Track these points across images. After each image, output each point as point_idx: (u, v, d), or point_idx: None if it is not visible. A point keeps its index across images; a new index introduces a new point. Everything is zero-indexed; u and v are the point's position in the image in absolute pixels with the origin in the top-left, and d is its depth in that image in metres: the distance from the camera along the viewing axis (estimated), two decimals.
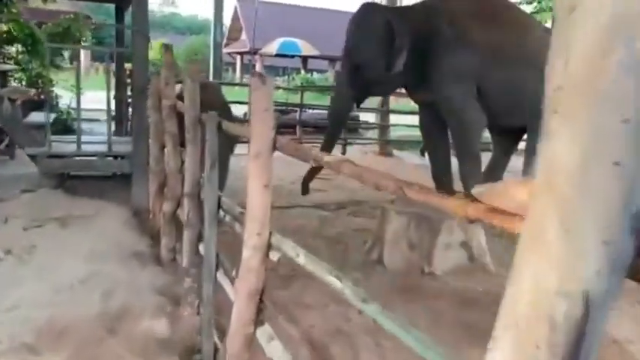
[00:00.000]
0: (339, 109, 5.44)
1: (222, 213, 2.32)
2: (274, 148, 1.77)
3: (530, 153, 6.04)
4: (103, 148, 4.90)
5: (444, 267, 3.63)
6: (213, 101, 4.25)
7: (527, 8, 17.34)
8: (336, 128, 5.55)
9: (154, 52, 29.72)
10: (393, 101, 12.36)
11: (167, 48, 3.19)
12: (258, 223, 1.78)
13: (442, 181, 6.04)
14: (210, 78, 11.58)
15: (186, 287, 2.82)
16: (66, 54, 14.17)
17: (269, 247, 1.82)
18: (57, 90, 10.08)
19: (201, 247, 2.66)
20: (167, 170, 3.41)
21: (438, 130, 5.96)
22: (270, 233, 1.84)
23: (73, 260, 3.23)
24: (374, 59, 5.01)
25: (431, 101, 5.52)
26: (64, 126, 9.34)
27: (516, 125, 5.89)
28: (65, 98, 9.78)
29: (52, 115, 6.10)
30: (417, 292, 3.46)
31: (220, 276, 2.35)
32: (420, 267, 3.62)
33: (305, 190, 4.83)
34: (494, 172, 6.20)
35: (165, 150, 3.41)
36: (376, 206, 5.83)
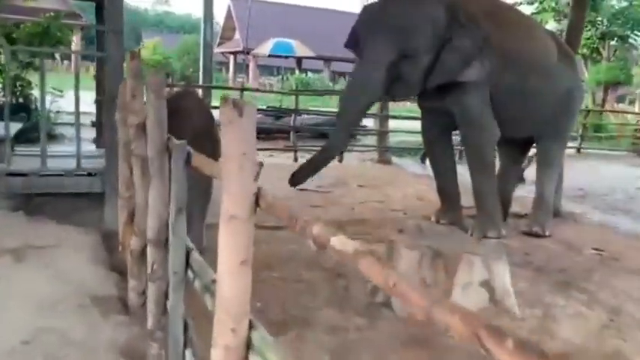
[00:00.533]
0: (364, 102, 4.63)
1: (191, 274, 1.78)
2: (256, 206, 1.23)
3: (544, 164, 5.53)
4: (73, 162, 4.34)
5: None
6: (193, 117, 3.69)
7: (528, 9, 16.89)
8: (348, 130, 4.86)
9: (146, 51, 28.85)
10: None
11: (133, 55, 2.63)
12: (233, 315, 1.24)
13: (448, 194, 5.53)
14: (200, 79, 11.00)
15: (153, 354, 2.27)
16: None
17: (248, 347, 1.28)
18: (36, 93, 9.47)
19: (169, 305, 2.12)
20: (136, 200, 2.86)
21: (444, 138, 5.43)
22: (251, 326, 1.30)
23: (21, 311, 2.68)
24: (425, 53, 4.46)
25: (444, 108, 4.97)
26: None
27: (523, 136, 5.41)
28: (46, 102, 9.18)
29: (17, 125, 5.50)
30: (432, 344, 2.92)
31: (189, 355, 1.81)
32: None
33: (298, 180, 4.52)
34: (506, 182, 5.70)
35: (133, 175, 2.86)
36: (380, 226, 5.32)
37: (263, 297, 3.31)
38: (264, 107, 10.90)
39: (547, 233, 5.19)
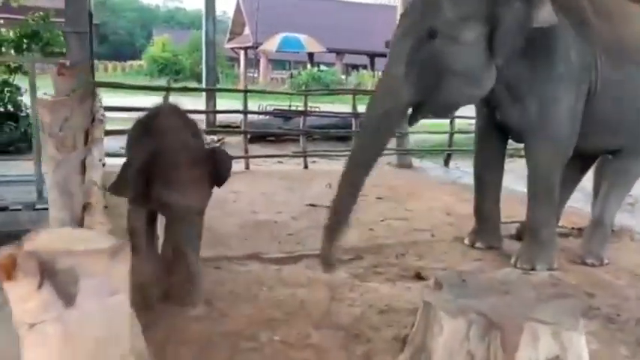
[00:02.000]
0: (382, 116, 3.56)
1: None
2: None
3: (618, 183, 4.48)
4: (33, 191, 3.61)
5: None
6: (177, 149, 2.97)
7: None
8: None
9: (155, 48, 28.37)
10: None
11: (61, 69, 1.82)
12: None
13: (487, 212, 4.68)
14: (204, 79, 10.26)
15: None
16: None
17: None
18: (26, 99, 8.77)
19: None
20: None
21: (499, 145, 4.48)
22: None
23: None
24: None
25: (512, 118, 4.13)
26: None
27: (609, 148, 4.44)
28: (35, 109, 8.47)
29: None
30: None
31: None
32: None
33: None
34: (559, 202, 4.81)
35: None
36: (405, 252, 4.51)
37: None
38: (271, 109, 10.17)
39: (605, 262, 4.33)
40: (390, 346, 2.80)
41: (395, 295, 3.47)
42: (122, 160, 3.08)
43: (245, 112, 7.95)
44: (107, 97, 8.26)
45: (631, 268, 4.29)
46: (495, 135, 4.39)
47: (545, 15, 3.48)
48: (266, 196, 6.19)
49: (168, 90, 7.30)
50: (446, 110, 4.91)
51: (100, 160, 3.32)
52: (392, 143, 9.42)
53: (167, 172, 2.86)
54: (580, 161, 4.59)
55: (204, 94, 9.76)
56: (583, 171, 4.83)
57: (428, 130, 9.84)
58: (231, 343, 2.81)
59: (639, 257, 4.64)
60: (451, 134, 9.26)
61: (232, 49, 31.15)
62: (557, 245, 4.29)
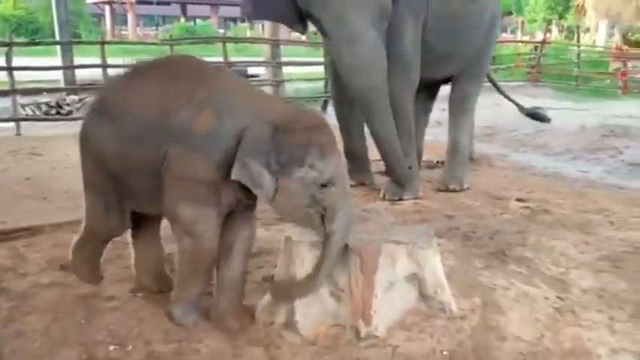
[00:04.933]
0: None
1: None
2: None
3: (460, 108, 4.83)
4: None
5: (387, 321, 2.37)
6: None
7: None
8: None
9: (5, 7, 25.12)
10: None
11: None
12: None
13: (356, 152, 4.83)
14: (57, 35, 9.34)
15: None
16: None
17: None
18: None
19: None
20: None
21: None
22: None
23: None
24: None
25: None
26: None
27: (446, 76, 4.70)
28: None
29: None
30: None
31: None
32: (353, 327, 2.33)
33: None
34: (417, 132, 5.04)
35: None
36: None
37: (116, 333, 2.40)
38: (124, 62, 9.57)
39: (465, 186, 4.62)
40: (259, 286, 2.77)
41: (267, 238, 3.42)
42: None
43: (104, 65, 7.35)
44: None
45: (487, 190, 4.62)
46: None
47: None
48: None
49: (10, 45, 6.51)
50: None
51: None
52: (268, 92, 9.30)
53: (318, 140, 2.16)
54: (428, 90, 4.81)
55: (59, 52, 8.90)
56: (431, 99, 5.05)
57: (304, 77, 9.82)
58: (88, 306, 2.61)
59: (495, 180, 5.02)
60: (327, 81, 9.28)
61: (96, 4, 28.73)
62: (419, 174, 4.51)
